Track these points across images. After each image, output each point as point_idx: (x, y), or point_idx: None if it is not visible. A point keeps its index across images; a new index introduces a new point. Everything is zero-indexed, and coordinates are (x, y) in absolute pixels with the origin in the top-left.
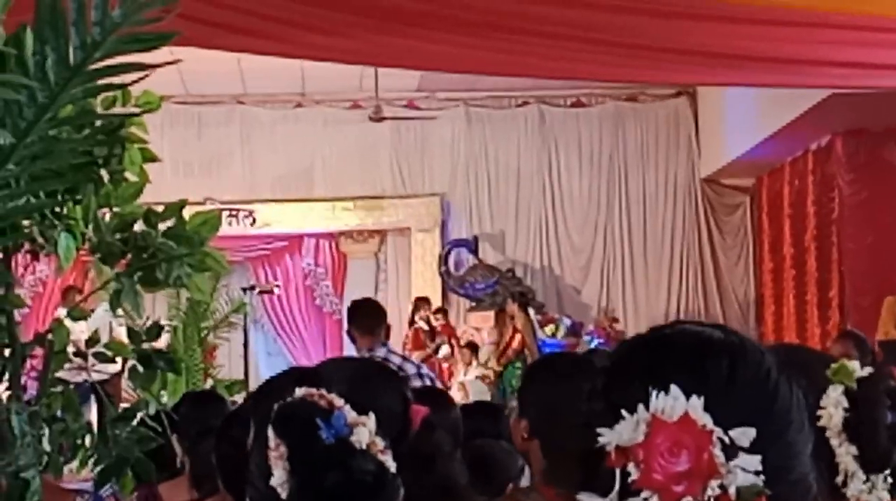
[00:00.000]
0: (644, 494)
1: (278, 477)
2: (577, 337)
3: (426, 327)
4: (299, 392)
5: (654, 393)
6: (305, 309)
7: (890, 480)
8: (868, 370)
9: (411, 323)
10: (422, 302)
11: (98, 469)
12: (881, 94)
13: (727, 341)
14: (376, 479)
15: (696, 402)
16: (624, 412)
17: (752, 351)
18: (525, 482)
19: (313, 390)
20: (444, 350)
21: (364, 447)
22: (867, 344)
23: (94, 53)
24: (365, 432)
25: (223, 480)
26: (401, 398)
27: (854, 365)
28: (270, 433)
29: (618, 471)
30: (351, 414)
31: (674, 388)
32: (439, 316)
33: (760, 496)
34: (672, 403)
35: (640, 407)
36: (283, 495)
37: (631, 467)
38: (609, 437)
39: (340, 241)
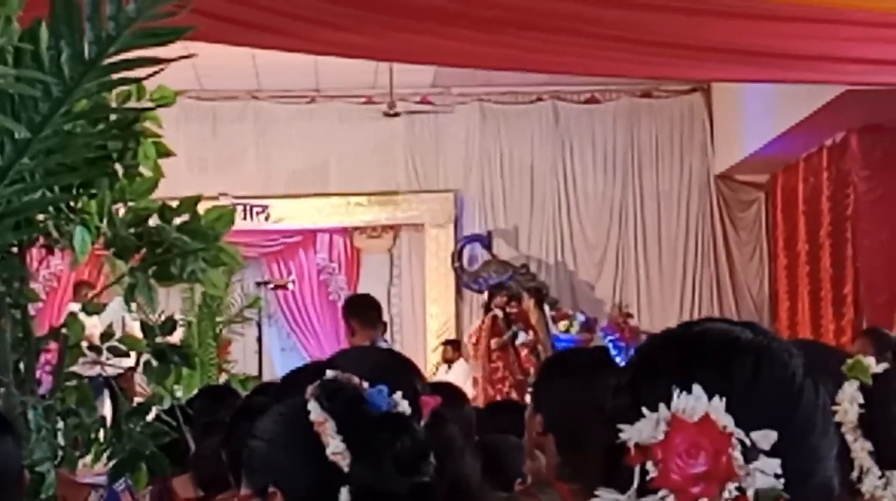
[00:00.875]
0: (661, 493)
1: (334, 447)
2: (591, 333)
3: (501, 314)
4: (330, 373)
5: (676, 392)
6: (319, 305)
7: None
8: (883, 366)
9: (487, 309)
10: (497, 289)
11: (112, 463)
12: None
13: (754, 341)
14: (425, 449)
15: (718, 403)
16: (645, 410)
17: (779, 352)
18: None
19: (340, 372)
20: (522, 336)
21: (406, 417)
22: (887, 341)
23: (108, 48)
24: (405, 405)
25: (235, 476)
26: (411, 389)
27: (870, 360)
28: (314, 407)
29: (637, 468)
30: (386, 391)
31: (696, 388)
32: (513, 303)
33: (779, 499)
34: (694, 403)
35: (662, 405)
36: (345, 464)
37: (650, 465)
38: (629, 434)
39: (354, 237)
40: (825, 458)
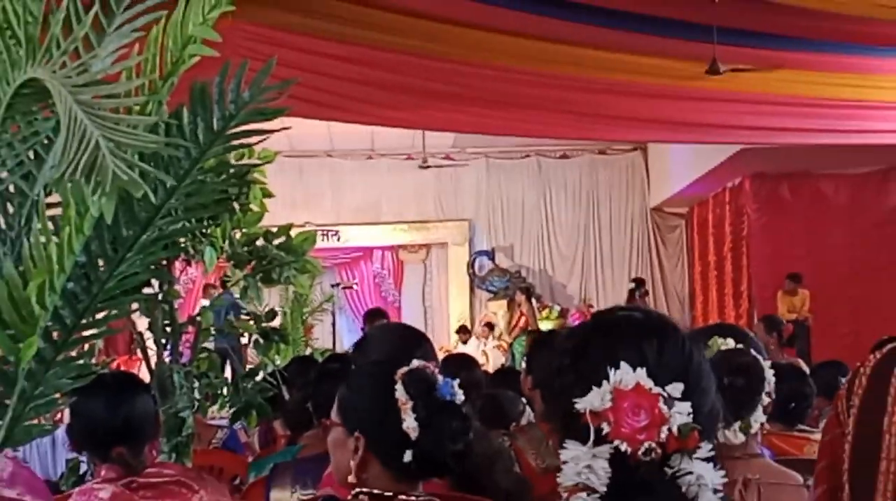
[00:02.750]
0: (616, 442)
1: (410, 423)
2: (564, 319)
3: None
4: (416, 363)
5: (611, 371)
6: (374, 299)
7: (756, 427)
8: (732, 346)
9: (631, 299)
10: (641, 282)
11: (232, 410)
12: (777, 148)
13: (655, 323)
14: (470, 422)
15: (641, 372)
16: (593, 386)
17: (671, 327)
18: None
19: (423, 362)
20: None
21: (461, 401)
22: (775, 324)
23: (230, 122)
24: (461, 394)
25: (319, 419)
26: (419, 355)
27: (723, 342)
28: (399, 389)
29: (592, 427)
30: (450, 379)
31: (623, 365)
32: (647, 294)
33: (694, 431)
34: (625, 376)
35: (605, 382)
36: (414, 436)
37: (604, 424)
38: (583, 404)
39: (399, 252)
40: (710, 394)
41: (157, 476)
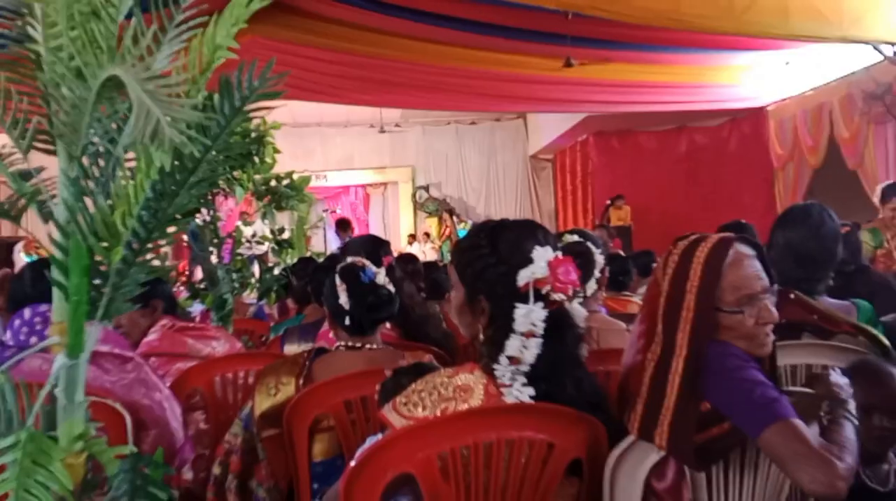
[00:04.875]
0: (554, 296)
1: (343, 299)
2: None
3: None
4: (349, 259)
5: (531, 253)
6: (351, 219)
7: (589, 292)
8: (576, 240)
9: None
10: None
11: (259, 293)
12: (610, 115)
13: (530, 222)
14: (390, 296)
15: (549, 248)
16: (521, 268)
17: (537, 224)
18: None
19: (356, 258)
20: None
21: (382, 283)
22: (612, 232)
23: (245, 102)
24: (382, 277)
25: (316, 298)
26: (380, 255)
27: (571, 237)
28: (338, 278)
29: (531, 289)
30: (374, 268)
31: (536, 247)
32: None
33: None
34: (544, 252)
35: (536, 258)
36: (346, 307)
37: (546, 287)
38: (525, 278)
39: (367, 188)
40: None
41: (187, 326)
